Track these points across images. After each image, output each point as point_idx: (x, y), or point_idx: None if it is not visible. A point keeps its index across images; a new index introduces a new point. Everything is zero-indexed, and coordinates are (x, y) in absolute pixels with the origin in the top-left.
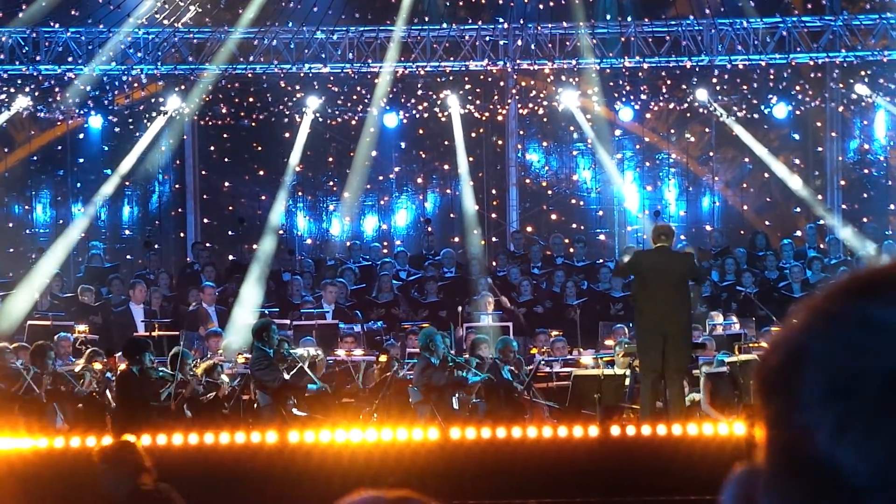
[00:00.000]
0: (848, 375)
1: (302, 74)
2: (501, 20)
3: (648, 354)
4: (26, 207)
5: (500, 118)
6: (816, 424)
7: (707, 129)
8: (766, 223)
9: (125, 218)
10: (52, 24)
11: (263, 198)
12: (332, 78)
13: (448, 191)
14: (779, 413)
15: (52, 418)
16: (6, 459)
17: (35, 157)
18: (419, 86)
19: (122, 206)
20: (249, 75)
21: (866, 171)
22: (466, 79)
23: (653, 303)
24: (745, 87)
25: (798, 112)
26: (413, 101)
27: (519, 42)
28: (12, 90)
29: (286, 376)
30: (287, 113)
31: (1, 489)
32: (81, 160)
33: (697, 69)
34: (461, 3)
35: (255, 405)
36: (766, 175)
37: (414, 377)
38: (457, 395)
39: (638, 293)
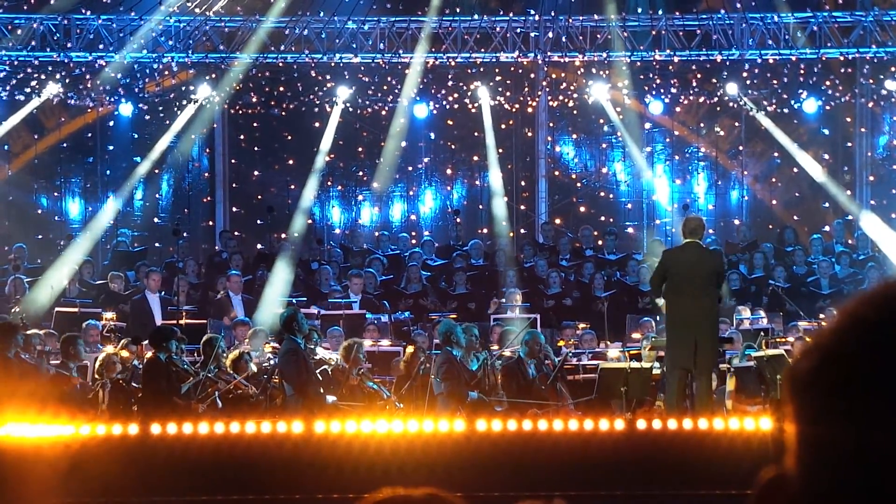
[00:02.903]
0: (883, 375)
1: (333, 64)
2: (532, 12)
3: (676, 349)
4: (55, 194)
5: (530, 110)
6: (852, 421)
7: (737, 123)
8: (795, 218)
9: (154, 206)
10: (83, 11)
11: (293, 187)
12: (362, 68)
13: (477, 182)
14: (812, 412)
15: (94, 405)
16: (48, 447)
17: (65, 145)
18: (449, 77)
19: (152, 194)
20: (280, 64)
21: (895, 166)
22: (497, 70)
23: (681, 298)
24: (775, 81)
25: (828, 107)
26: (443, 91)
27: (550, 34)
28: (43, 77)
29: (312, 373)
30: (317, 102)
31: (40, 476)
32: (111, 147)
33: (728, 63)
34: None
35: (282, 396)
36: (795, 170)
37: (434, 368)
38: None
39: (666, 288)
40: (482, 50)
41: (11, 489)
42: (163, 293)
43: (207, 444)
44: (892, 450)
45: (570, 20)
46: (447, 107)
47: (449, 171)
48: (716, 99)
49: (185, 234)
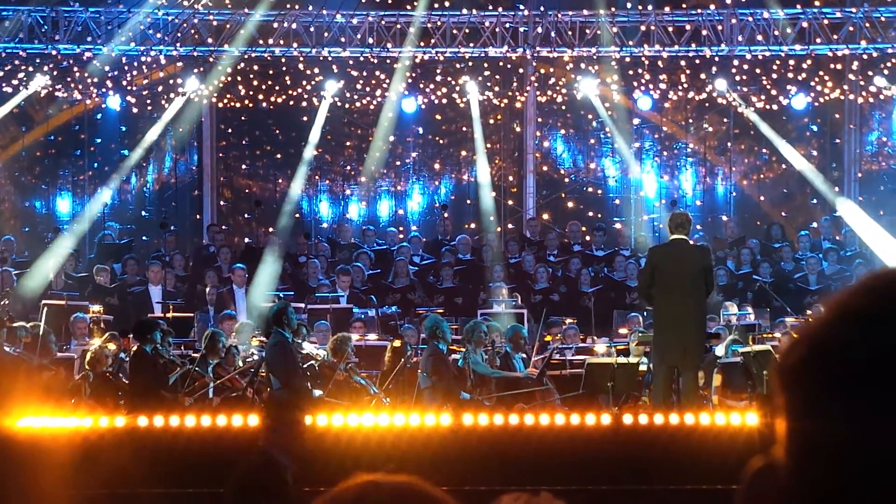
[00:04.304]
0: (872, 366)
1: (321, 58)
2: (522, 7)
3: (663, 344)
4: (43, 187)
5: (518, 105)
6: (842, 412)
7: (725, 120)
8: (783, 214)
9: (141, 198)
10: (71, 3)
11: (280, 181)
12: (351, 62)
13: (464, 177)
14: (801, 404)
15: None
16: (55, 439)
17: (52, 137)
18: (438, 71)
19: (139, 187)
20: (268, 58)
21: (884, 163)
22: (485, 65)
23: (669, 294)
24: (764, 77)
25: (817, 103)
26: (432, 86)
27: (539, 29)
28: (31, 69)
29: (299, 367)
30: (305, 96)
31: (47, 468)
32: (99, 140)
33: (717, 59)
34: None
35: (269, 389)
36: (783, 166)
37: (421, 363)
38: (467, 386)
39: (654, 285)
40: (471, 45)
41: (23, 481)
42: (164, 287)
43: (194, 437)
44: (882, 442)
45: (559, 15)
46: (435, 101)
47: (437, 166)
48: (704, 95)
49: (172, 228)
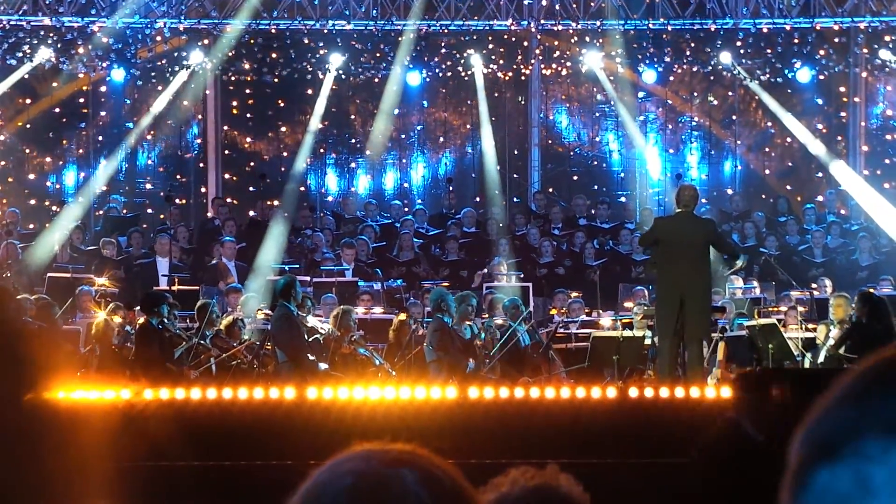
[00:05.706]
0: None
1: (325, 31)
2: None
3: (668, 318)
4: (47, 160)
5: (523, 78)
6: None
7: (730, 93)
8: (788, 188)
9: (146, 171)
10: None
11: (285, 154)
12: (355, 35)
13: (469, 150)
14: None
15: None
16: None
17: (57, 110)
18: (443, 44)
19: (143, 160)
20: (273, 31)
21: (889, 137)
22: (490, 38)
23: (674, 267)
24: (769, 50)
25: (822, 77)
26: (436, 59)
27: (543, 2)
28: (35, 41)
29: (305, 340)
30: (310, 69)
31: (86, 440)
32: (103, 113)
33: (722, 32)
34: None
35: (274, 362)
36: (789, 140)
37: (427, 336)
38: (471, 360)
39: (659, 257)
40: (475, 17)
41: (65, 451)
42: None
43: (200, 410)
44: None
45: None
46: (440, 74)
47: (441, 139)
48: (709, 68)
49: (177, 201)
